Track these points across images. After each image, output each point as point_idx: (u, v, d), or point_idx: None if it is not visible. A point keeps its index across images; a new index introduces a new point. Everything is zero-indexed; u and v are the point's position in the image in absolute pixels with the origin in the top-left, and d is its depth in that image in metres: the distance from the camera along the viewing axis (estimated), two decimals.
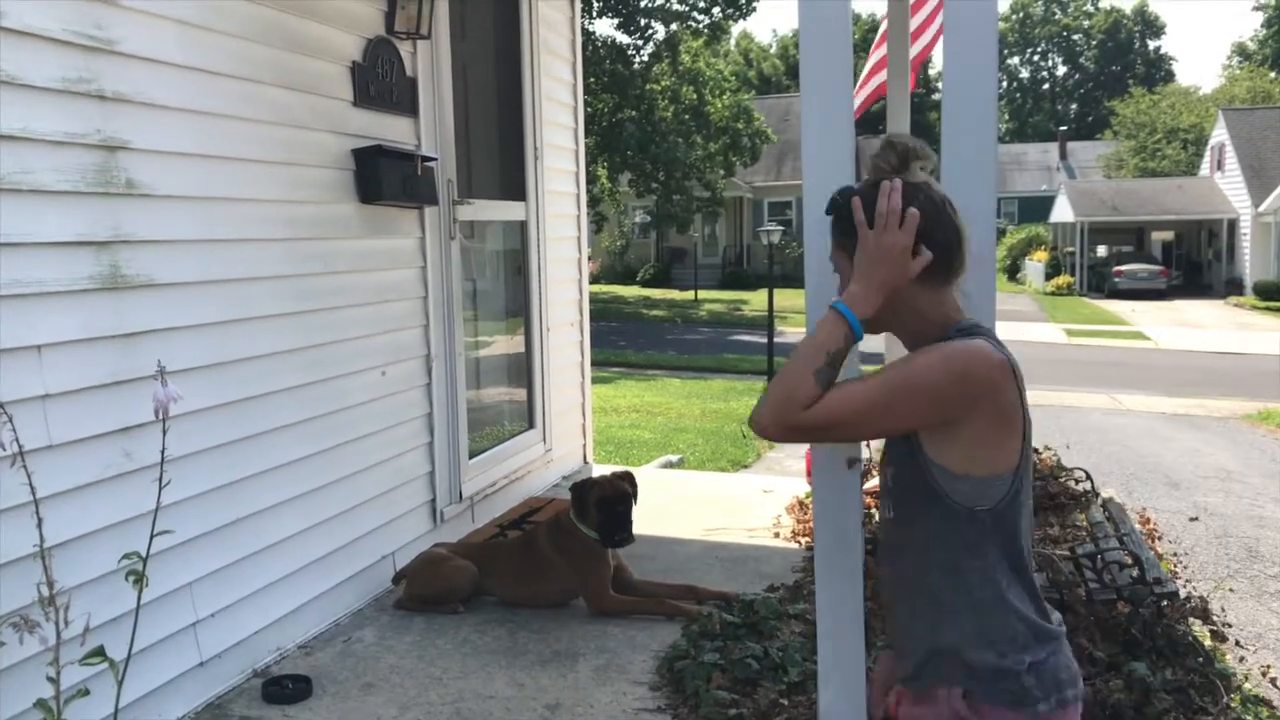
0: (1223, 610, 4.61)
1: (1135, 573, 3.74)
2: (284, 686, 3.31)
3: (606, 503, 3.90)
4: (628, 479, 4.05)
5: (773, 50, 62.23)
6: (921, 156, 1.79)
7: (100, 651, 2.19)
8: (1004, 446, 1.70)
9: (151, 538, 2.34)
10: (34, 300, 2.63)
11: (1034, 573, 1.79)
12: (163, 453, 2.37)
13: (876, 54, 6.84)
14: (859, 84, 6.90)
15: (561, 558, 3.96)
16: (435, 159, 4.44)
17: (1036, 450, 6.43)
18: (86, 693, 2.21)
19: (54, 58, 2.68)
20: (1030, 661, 1.70)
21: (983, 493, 1.70)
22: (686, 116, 27.36)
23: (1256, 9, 59.15)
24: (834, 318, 1.77)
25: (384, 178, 4.00)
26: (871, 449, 6.53)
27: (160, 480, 2.37)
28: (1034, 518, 4.84)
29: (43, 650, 2.14)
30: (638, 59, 25.89)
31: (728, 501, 5.77)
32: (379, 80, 4.13)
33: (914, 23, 6.42)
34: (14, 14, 2.56)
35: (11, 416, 2.09)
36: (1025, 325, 23.53)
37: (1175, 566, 5.42)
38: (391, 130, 4.22)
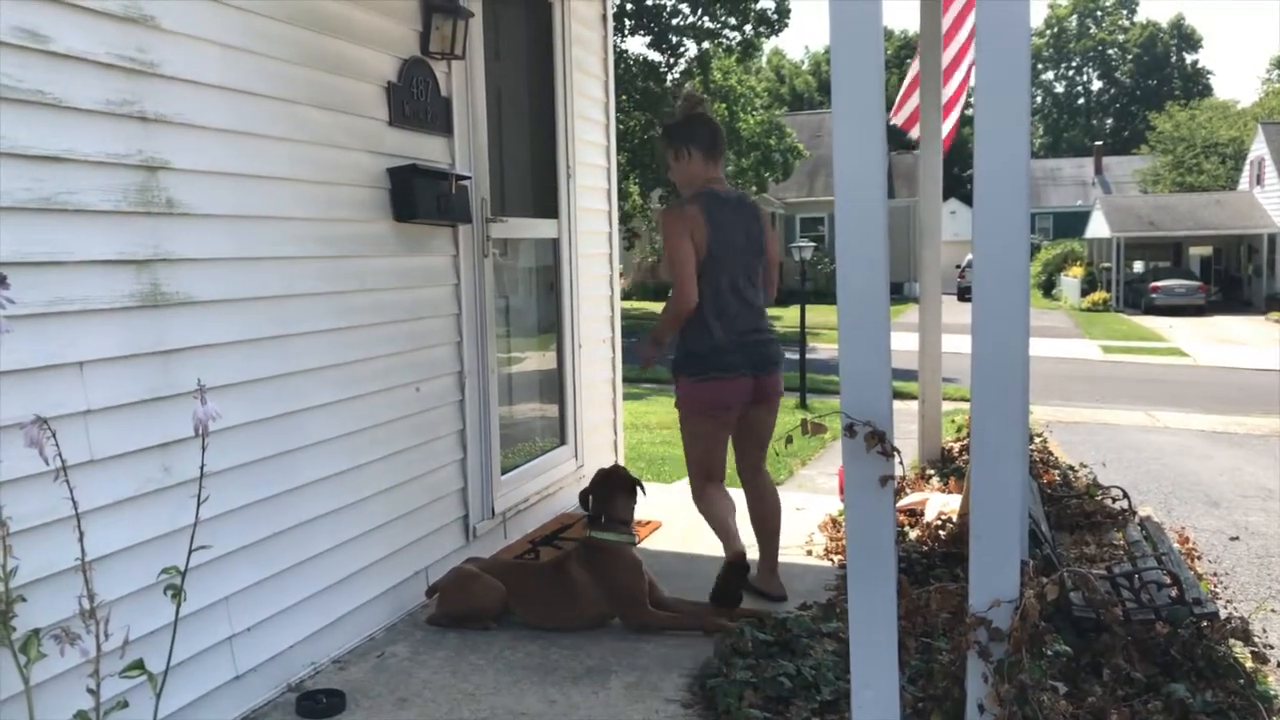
0: (1264, 632, 4.53)
1: (1174, 592, 3.69)
2: (318, 701, 3.32)
3: (621, 482, 4.11)
4: (614, 468, 4.29)
5: (805, 66, 62.28)
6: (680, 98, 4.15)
7: (140, 664, 2.22)
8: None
9: (190, 552, 2.37)
10: (76, 317, 2.68)
11: (730, 313, 4.01)
12: (201, 469, 2.41)
13: (914, 69, 6.81)
14: (899, 101, 6.88)
15: (596, 583, 3.95)
16: (469, 177, 4.49)
17: (1072, 468, 6.36)
18: (125, 705, 2.25)
19: (98, 80, 2.74)
20: (687, 352, 4.00)
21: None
22: None
23: None
24: None
25: (419, 196, 4.04)
26: (905, 467, 6.50)
27: (199, 496, 2.41)
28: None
29: (83, 662, 2.18)
30: (670, 76, 25.93)
31: None
32: (414, 100, 4.18)
33: (945, 57, 6.39)
34: (61, 39, 2.62)
35: (55, 432, 2.14)
36: (1060, 342, 23.29)
37: (1215, 587, 5.33)
38: (426, 149, 4.27)
